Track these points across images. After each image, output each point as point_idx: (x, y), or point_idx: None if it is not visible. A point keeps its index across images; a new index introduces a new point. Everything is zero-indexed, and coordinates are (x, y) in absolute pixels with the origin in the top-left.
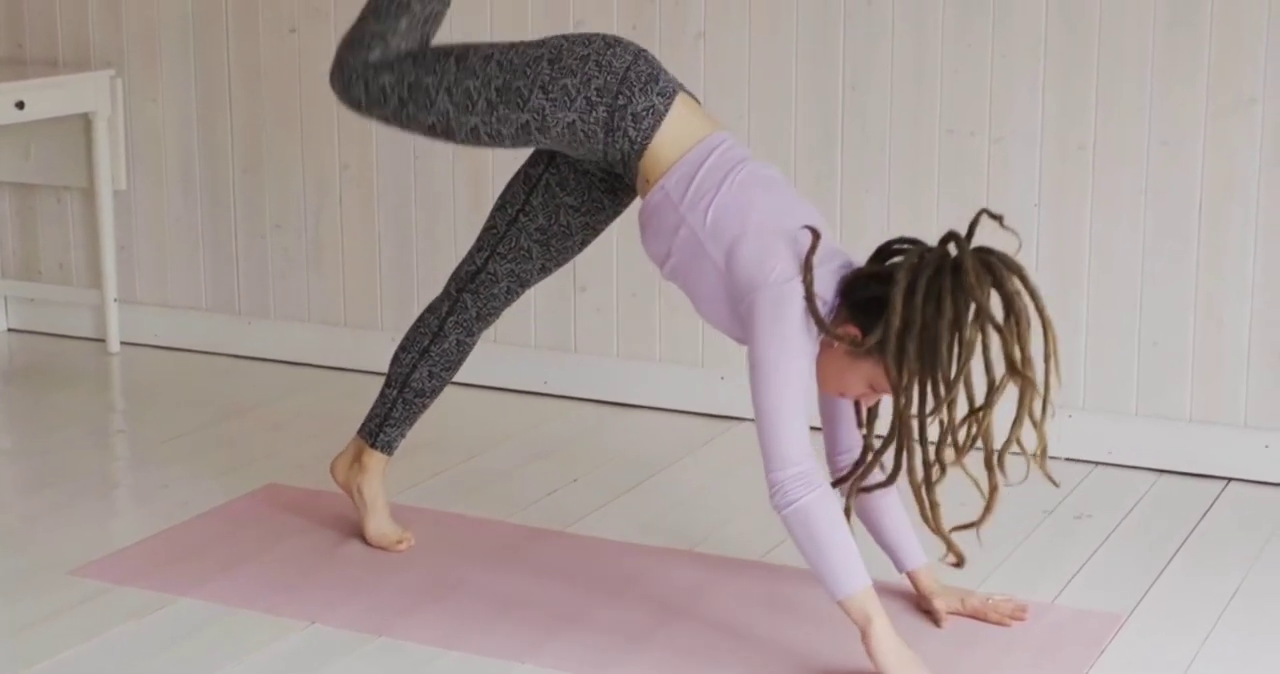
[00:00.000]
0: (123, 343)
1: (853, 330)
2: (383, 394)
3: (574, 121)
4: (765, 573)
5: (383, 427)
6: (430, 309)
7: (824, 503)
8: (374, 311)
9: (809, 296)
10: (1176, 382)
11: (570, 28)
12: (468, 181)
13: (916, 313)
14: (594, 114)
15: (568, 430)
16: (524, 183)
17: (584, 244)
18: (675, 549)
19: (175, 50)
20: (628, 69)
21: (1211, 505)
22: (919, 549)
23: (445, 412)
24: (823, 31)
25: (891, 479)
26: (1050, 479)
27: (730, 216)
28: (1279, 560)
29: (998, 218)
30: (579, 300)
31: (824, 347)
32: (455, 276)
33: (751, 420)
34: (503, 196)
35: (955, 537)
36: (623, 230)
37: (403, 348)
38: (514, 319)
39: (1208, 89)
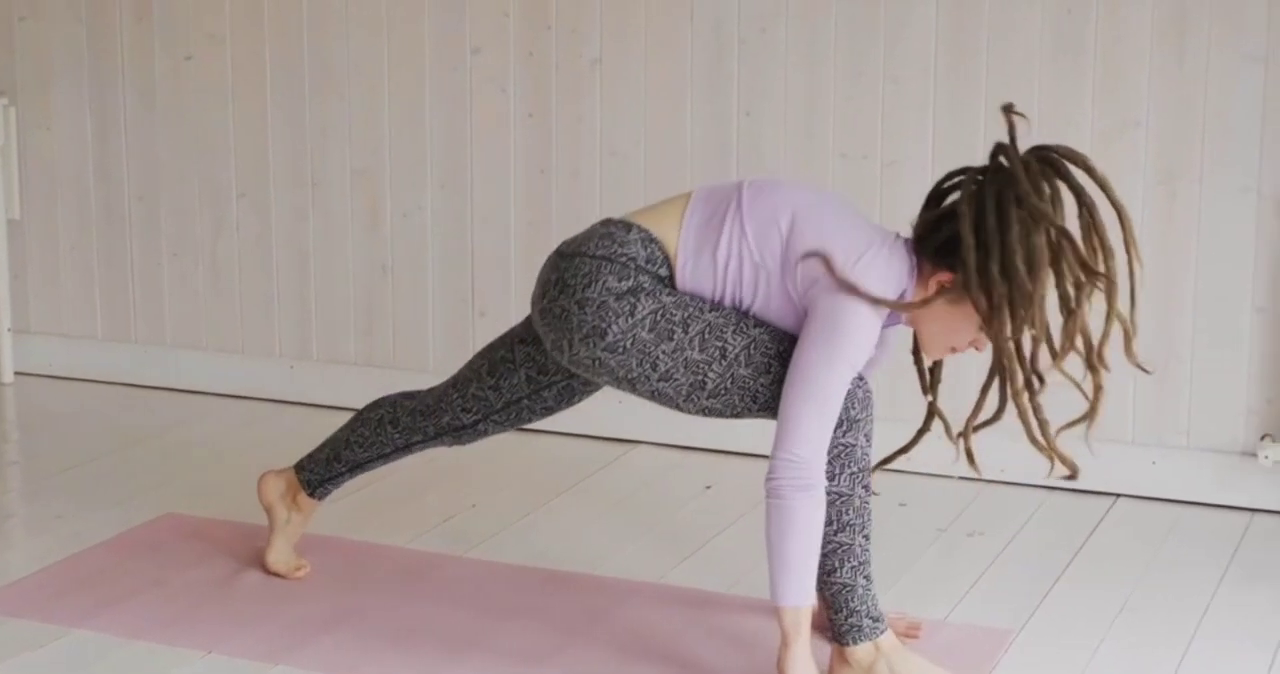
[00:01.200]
0: (16, 373)
1: (944, 277)
2: (335, 439)
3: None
4: (662, 595)
5: (325, 482)
6: (397, 428)
7: (811, 507)
8: (271, 339)
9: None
10: (1066, 399)
11: (467, 55)
12: (365, 208)
13: (989, 235)
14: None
15: (465, 456)
16: (529, 381)
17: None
18: (573, 573)
19: (68, 77)
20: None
21: (1100, 521)
22: None
23: None
24: (717, 58)
25: (999, 414)
26: (1142, 369)
27: (770, 229)
28: (1166, 574)
29: (1019, 114)
30: (478, 325)
31: (920, 315)
32: (431, 420)
33: (649, 443)
34: (495, 377)
35: (1064, 446)
36: (522, 255)
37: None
38: (410, 343)
39: (1092, 113)
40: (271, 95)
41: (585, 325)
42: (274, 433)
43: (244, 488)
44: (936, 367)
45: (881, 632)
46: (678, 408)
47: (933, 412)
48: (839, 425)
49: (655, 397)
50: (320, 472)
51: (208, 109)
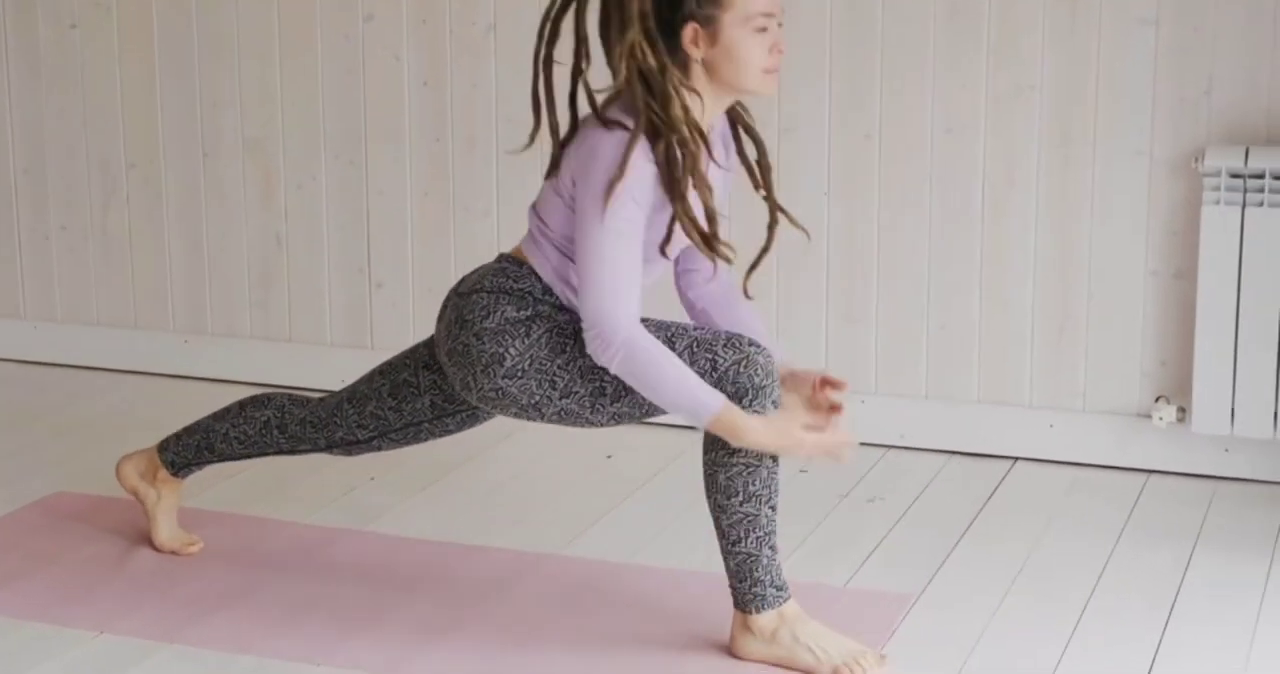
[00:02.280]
0: None
1: (689, 31)
2: (209, 428)
3: None
4: (564, 566)
5: (190, 465)
6: (285, 434)
7: (641, 341)
8: (165, 313)
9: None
10: (964, 364)
11: (360, 23)
12: (257, 179)
13: None
14: None
15: None
16: (433, 407)
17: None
18: (473, 545)
19: None
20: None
21: (999, 485)
22: (772, 342)
23: None
24: None
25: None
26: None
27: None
28: (1063, 535)
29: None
30: (375, 296)
31: (713, 64)
32: (323, 432)
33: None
34: (397, 399)
35: None
36: (419, 225)
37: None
38: (306, 316)
39: (988, 78)
40: (160, 64)
41: (484, 354)
42: (168, 409)
43: None
44: (763, 158)
45: (785, 600)
46: (589, 423)
47: (773, 205)
48: (745, 394)
49: (563, 416)
50: (188, 457)
51: (95, 78)
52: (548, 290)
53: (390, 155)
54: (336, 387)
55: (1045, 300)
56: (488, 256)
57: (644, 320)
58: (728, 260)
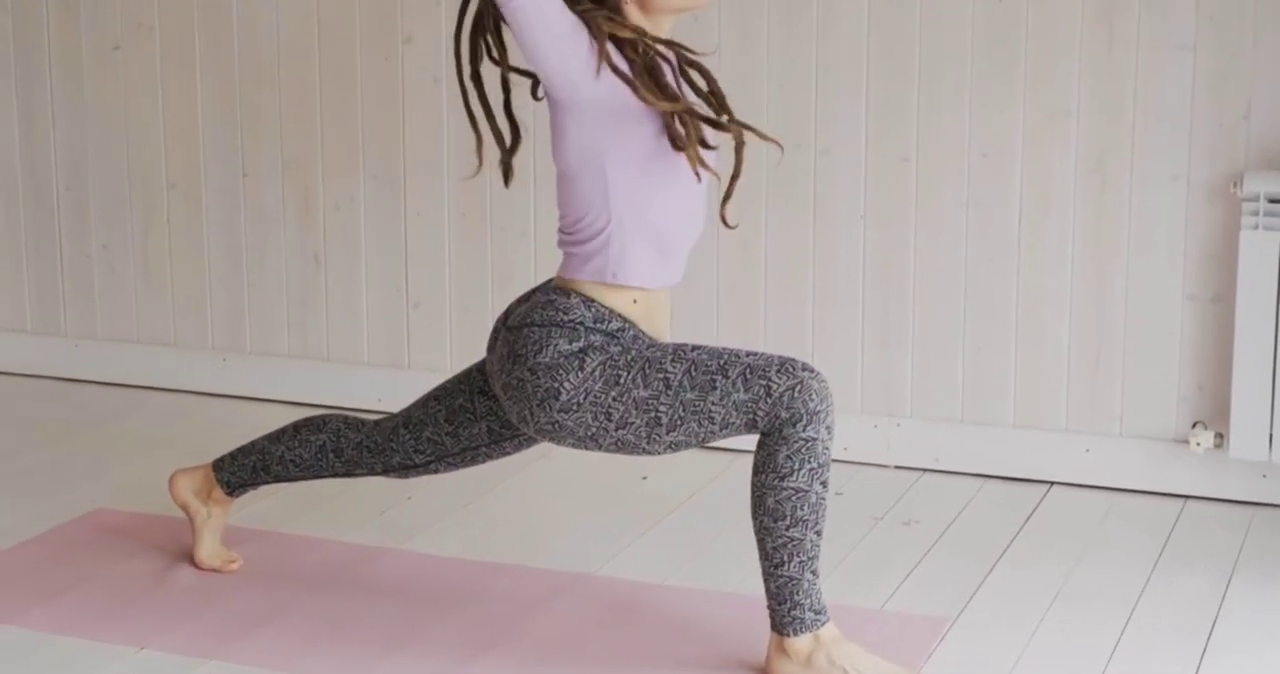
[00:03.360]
0: None
1: None
2: (265, 450)
3: None
4: (600, 586)
5: (245, 485)
6: (341, 458)
7: None
8: (203, 331)
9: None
10: (999, 388)
11: (399, 45)
12: (297, 199)
13: None
14: None
15: None
16: (490, 433)
17: None
18: (509, 565)
19: None
20: None
21: (1035, 509)
22: None
23: (273, 428)
24: None
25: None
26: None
27: None
28: (1100, 561)
29: None
30: (412, 317)
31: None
32: (379, 457)
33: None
34: (453, 424)
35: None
36: (456, 245)
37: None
38: (343, 336)
39: (1025, 102)
40: (201, 86)
41: (540, 389)
42: (206, 426)
43: None
44: (713, 86)
45: (823, 624)
46: (645, 452)
47: (737, 127)
48: (800, 420)
49: (620, 447)
50: (243, 477)
51: (137, 99)
52: (598, 318)
53: (428, 176)
54: (374, 405)
55: (1082, 324)
56: (524, 277)
57: (695, 346)
58: (715, 175)
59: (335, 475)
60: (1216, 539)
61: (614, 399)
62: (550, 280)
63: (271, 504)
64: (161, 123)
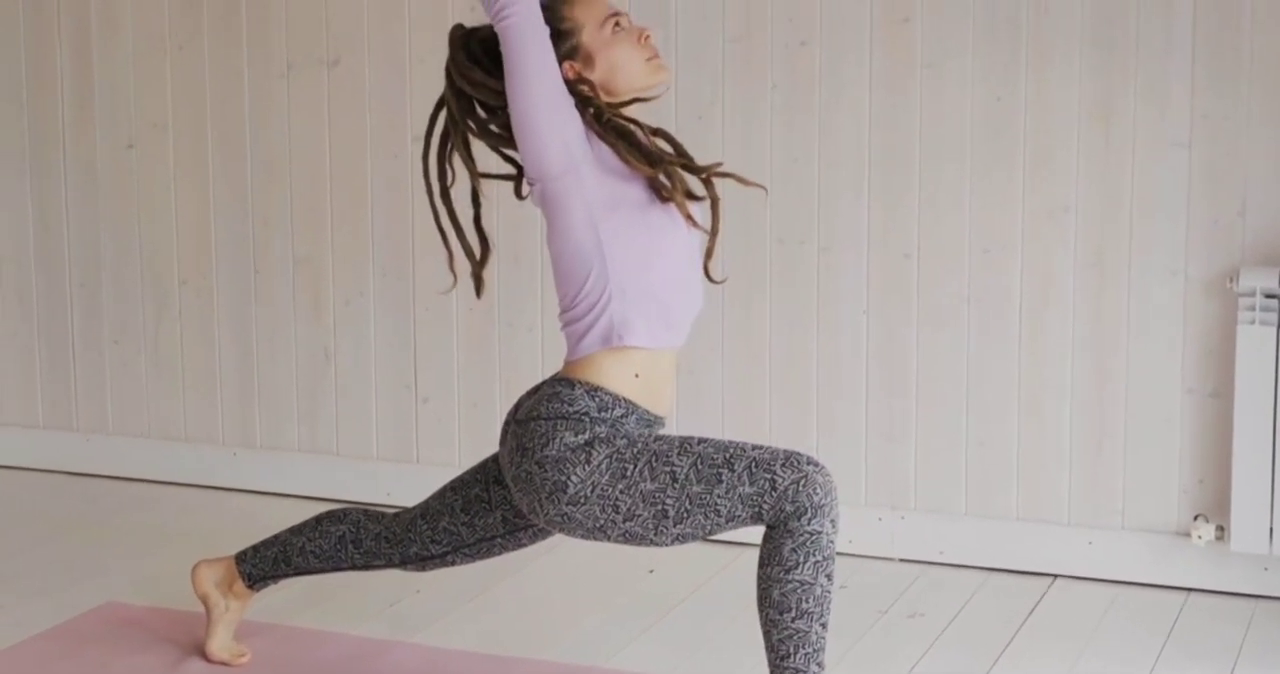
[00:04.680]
0: None
1: (568, 68)
2: (286, 542)
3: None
4: None
5: (267, 578)
6: (359, 549)
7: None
8: (214, 426)
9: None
10: (1003, 481)
11: (408, 142)
12: (307, 294)
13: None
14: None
15: None
16: (505, 523)
17: None
18: (516, 658)
19: (9, 162)
20: None
21: (1039, 602)
22: None
23: (287, 523)
24: None
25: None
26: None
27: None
28: (1103, 654)
29: None
30: (421, 411)
31: (604, 69)
32: (397, 548)
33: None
34: (469, 514)
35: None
36: (465, 340)
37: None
38: (353, 430)
39: (1024, 198)
40: (214, 183)
41: (548, 483)
42: (217, 520)
43: (187, 576)
44: (679, 148)
45: None
46: (652, 543)
47: (709, 179)
48: (804, 513)
49: (627, 538)
50: (265, 569)
51: (150, 196)
52: (602, 406)
53: (436, 272)
54: (383, 499)
55: (1083, 418)
56: (532, 371)
57: (702, 439)
58: (704, 228)
59: (354, 567)
60: (1219, 632)
61: (621, 492)
62: (558, 373)
63: (281, 597)
64: (174, 219)
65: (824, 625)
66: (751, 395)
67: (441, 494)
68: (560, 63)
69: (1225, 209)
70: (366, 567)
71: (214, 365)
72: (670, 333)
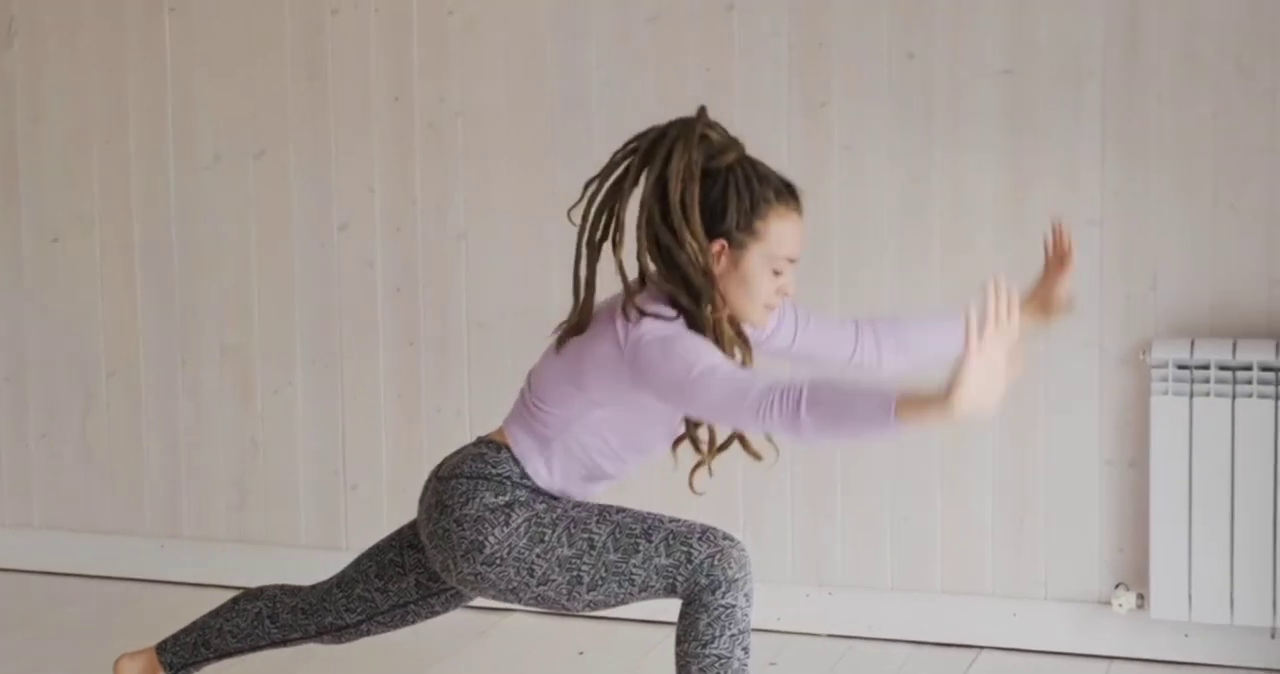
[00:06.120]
0: None
1: (716, 246)
2: (205, 625)
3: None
4: None
5: (188, 665)
6: (276, 623)
7: (814, 382)
8: (140, 517)
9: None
10: (927, 555)
11: (334, 231)
12: (235, 384)
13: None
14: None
15: None
16: (419, 587)
17: None
18: None
19: None
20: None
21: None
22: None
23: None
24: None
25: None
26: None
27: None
28: None
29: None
30: (349, 498)
31: (724, 286)
32: (313, 618)
33: (522, 611)
34: (383, 580)
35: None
36: (392, 427)
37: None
38: (282, 518)
39: (941, 276)
40: (141, 275)
41: (464, 541)
42: (145, 613)
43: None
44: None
45: None
46: (564, 609)
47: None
48: (719, 587)
49: (540, 602)
50: (185, 655)
51: (76, 289)
52: (525, 475)
53: (364, 359)
54: None
55: (1004, 491)
56: None
57: (620, 509)
58: (756, 455)
59: (273, 643)
60: None
61: (538, 556)
62: (490, 434)
63: None
64: (100, 311)
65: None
66: (677, 472)
67: (357, 562)
68: (718, 236)
69: (1137, 283)
70: (285, 641)
71: (141, 456)
72: (586, 490)
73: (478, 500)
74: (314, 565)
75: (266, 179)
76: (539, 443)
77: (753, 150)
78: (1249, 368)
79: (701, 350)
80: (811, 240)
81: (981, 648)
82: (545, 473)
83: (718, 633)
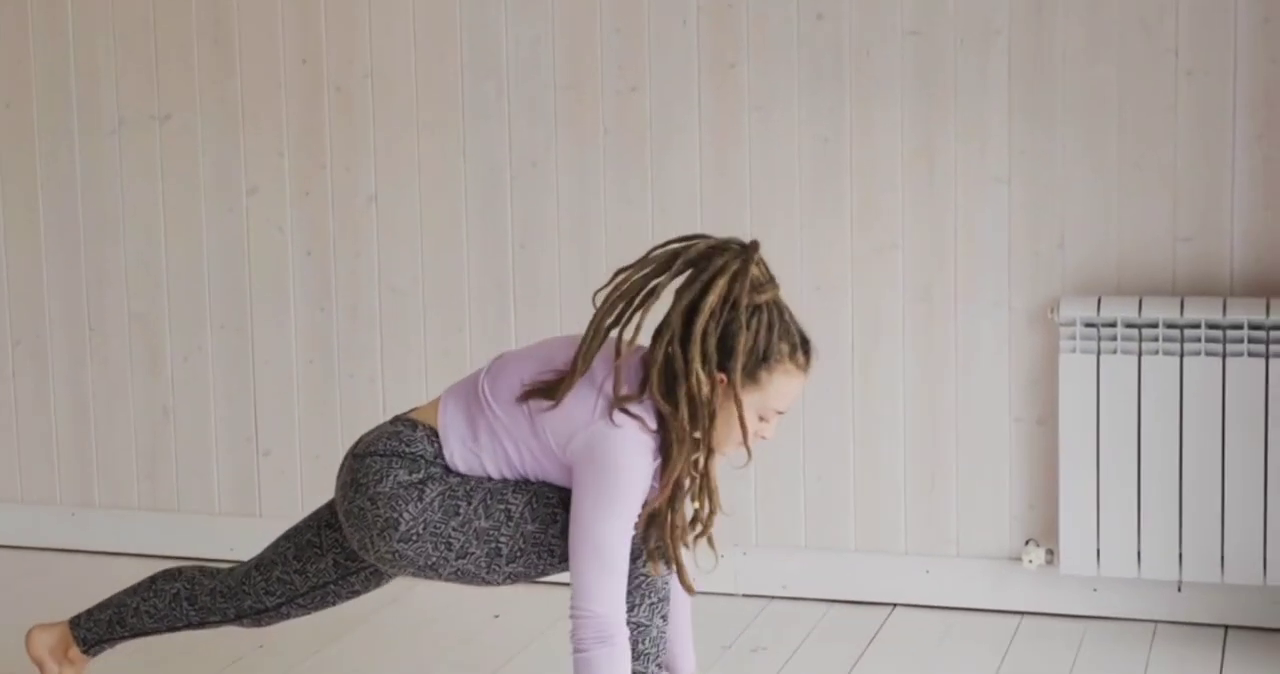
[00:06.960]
0: None
1: (719, 379)
2: (120, 603)
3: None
4: None
5: (102, 641)
6: (194, 606)
7: (613, 657)
8: (52, 486)
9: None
10: (841, 514)
11: (243, 196)
12: (144, 352)
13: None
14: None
15: None
16: (336, 566)
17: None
18: None
19: None
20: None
21: (878, 631)
22: (693, 654)
23: (129, 583)
24: (491, 193)
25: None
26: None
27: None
28: None
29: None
30: (262, 464)
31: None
32: (231, 602)
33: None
34: (301, 561)
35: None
36: (305, 393)
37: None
38: (194, 486)
39: (852, 236)
40: (46, 242)
41: (379, 519)
42: (56, 583)
43: (22, 642)
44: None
45: None
46: (484, 582)
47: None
48: (638, 556)
49: (459, 576)
50: (100, 632)
51: None
52: (439, 454)
53: (275, 325)
54: (226, 555)
55: (916, 449)
56: (373, 423)
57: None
58: (689, 589)
59: (190, 626)
60: (1051, 653)
61: (454, 529)
62: (406, 412)
63: (120, 660)
64: (6, 279)
65: (659, 666)
66: None
67: (275, 544)
68: (725, 370)
69: (1045, 242)
70: (203, 624)
71: (50, 425)
72: (531, 481)
73: (391, 478)
74: (228, 533)
75: (173, 144)
76: (469, 428)
77: (664, 109)
78: (1155, 325)
79: (621, 517)
80: (722, 200)
81: (895, 605)
82: (461, 458)
83: (637, 601)
